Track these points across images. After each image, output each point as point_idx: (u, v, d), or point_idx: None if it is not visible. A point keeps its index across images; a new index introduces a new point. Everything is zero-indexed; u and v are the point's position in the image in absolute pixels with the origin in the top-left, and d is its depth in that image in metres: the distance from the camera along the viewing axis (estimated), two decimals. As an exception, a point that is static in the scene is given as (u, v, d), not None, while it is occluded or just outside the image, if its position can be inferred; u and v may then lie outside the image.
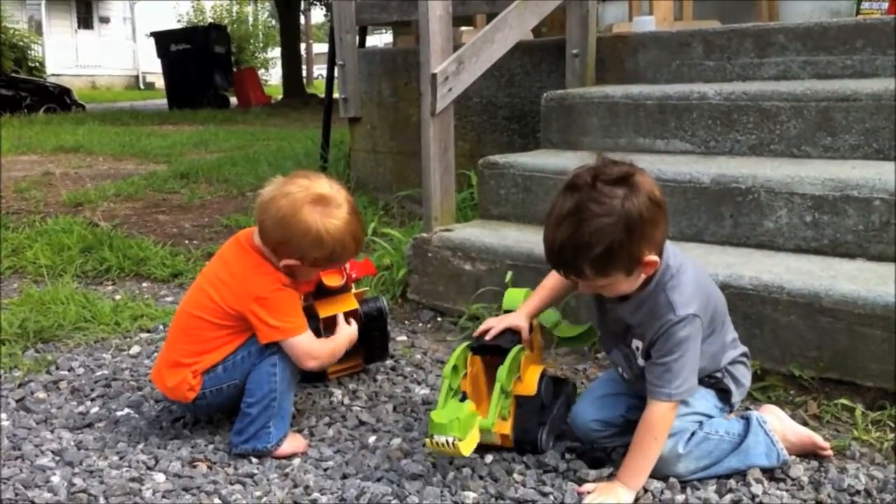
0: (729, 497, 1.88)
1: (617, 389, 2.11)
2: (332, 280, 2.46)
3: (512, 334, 2.16)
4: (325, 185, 2.15)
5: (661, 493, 1.91)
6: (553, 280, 2.25)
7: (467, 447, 1.94)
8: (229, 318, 2.15)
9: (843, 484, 1.91)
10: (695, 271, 1.98)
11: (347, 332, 2.34)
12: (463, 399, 2.06)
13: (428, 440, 1.95)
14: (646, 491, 1.91)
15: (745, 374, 2.08)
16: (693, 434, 1.95)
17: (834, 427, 2.21)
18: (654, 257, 1.85)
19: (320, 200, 2.11)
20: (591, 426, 2.08)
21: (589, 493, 1.90)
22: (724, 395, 2.04)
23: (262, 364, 2.15)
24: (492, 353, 2.13)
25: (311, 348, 2.19)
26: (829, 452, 2.04)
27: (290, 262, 2.13)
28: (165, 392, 2.23)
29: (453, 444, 1.91)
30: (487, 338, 2.16)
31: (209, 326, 2.16)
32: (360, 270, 2.61)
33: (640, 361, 1.96)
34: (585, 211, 1.78)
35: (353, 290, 2.59)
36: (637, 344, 1.96)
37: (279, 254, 2.14)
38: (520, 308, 2.25)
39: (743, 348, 2.09)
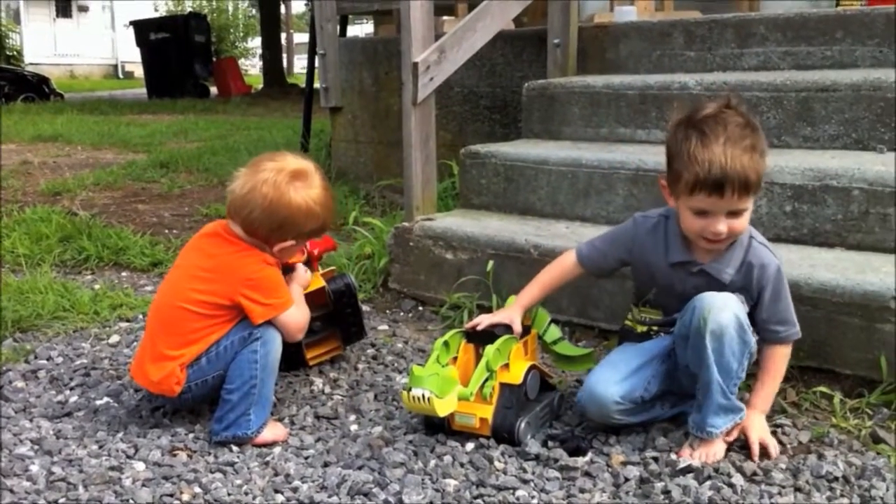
0: (708, 484, 1.89)
1: (633, 365, 2.12)
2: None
3: (505, 328, 2.20)
4: (292, 161, 2.22)
5: (640, 480, 1.92)
6: (545, 276, 2.32)
7: (443, 408, 1.98)
8: (219, 308, 2.15)
9: (822, 471, 1.93)
10: None
11: (302, 277, 2.41)
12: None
13: (405, 393, 1.99)
14: (626, 479, 1.92)
15: None
16: None
17: (812, 415, 2.23)
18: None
19: (298, 175, 2.18)
20: (614, 399, 2.07)
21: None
22: None
23: (244, 351, 2.14)
24: (484, 340, 2.15)
25: (299, 319, 2.25)
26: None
27: (285, 244, 2.20)
28: (149, 387, 2.20)
29: (429, 399, 1.95)
30: (480, 328, 2.20)
31: (196, 318, 2.15)
32: (320, 247, 2.61)
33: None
34: (749, 138, 1.95)
35: (320, 271, 2.59)
36: None
37: (273, 240, 2.19)
38: (513, 304, 2.30)
39: None
